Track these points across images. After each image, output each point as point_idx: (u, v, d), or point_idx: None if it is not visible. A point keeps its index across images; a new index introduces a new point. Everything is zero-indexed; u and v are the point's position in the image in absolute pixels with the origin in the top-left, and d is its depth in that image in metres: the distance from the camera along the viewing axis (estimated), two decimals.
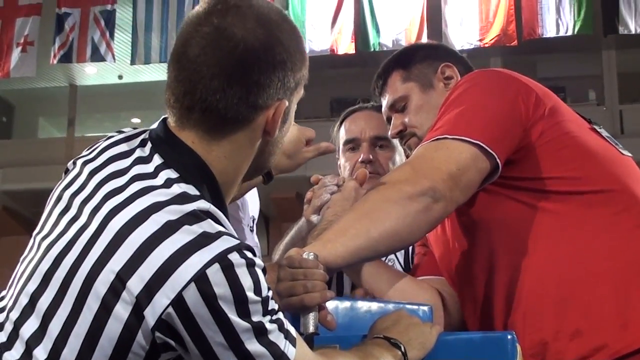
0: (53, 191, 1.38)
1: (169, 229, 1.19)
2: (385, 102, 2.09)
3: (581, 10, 11.97)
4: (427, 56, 2.09)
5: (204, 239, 1.19)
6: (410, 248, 2.21)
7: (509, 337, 1.39)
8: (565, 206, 1.72)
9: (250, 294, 1.19)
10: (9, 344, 1.22)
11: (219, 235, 1.20)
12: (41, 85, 15.94)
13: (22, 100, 17.10)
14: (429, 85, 2.04)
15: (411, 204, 1.63)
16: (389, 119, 2.08)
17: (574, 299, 1.66)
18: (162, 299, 1.16)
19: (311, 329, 1.48)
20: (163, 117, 1.37)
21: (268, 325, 1.22)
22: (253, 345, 1.20)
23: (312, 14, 12.61)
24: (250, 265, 1.20)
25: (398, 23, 12.28)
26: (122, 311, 1.17)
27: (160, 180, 1.26)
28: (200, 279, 1.16)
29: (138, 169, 1.29)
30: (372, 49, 12.27)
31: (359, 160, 2.32)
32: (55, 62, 12.82)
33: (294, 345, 1.25)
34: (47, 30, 12.70)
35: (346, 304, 1.68)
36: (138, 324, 1.17)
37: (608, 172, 1.75)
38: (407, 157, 2.13)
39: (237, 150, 1.33)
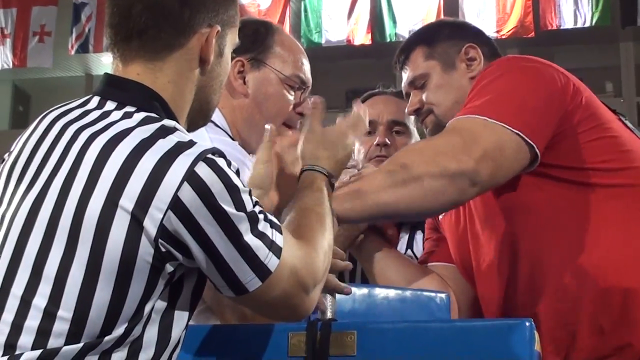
0: None
1: (145, 144, 1.24)
2: (405, 77, 2.05)
3: (599, 1, 11.88)
4: (452, 35, 2.04)
5: (181, 145, 1.24)
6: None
7: (527, 324, 1.38)
8: (595, 198, 1.70)
9: (239, 184, 1.25)
10: None
11: (192, 142, 1.27)
12: (57, 74, 15.98)
13: (39, 89, 17.15)
14: (451, 65, 1.99)
15: (448, 183, 1.60)
16: (407, 95, 2.05)
17: (600, 296, 1.65)
18: (159, 205, 1.20)
19: (329, 314, 1.48)
20: (105, 72, 1.43)
21: (259, 215, 1.27)
22: (250, 237, 1.24)
23: (329, 4, 12.58)
24: (229, 163, 1.27)
25: (415, 14, 12.23)
26: (119, 231, 1.20)
27: (117, 115, 1.32)
28: (192, 177, 1.21)
29: (93, 115, 1.33)
30: (389, 40, 12.23)
31: (375, 143, 2.31)
32: (72, 52, 12.86)
33: (280, 232, 1.30)
34: (64, 20, 12.73)
35: (364, 290, 1.67)
36: (138, 237, 1.20)
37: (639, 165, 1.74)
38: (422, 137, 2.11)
39: (179, 75, 1.38)
